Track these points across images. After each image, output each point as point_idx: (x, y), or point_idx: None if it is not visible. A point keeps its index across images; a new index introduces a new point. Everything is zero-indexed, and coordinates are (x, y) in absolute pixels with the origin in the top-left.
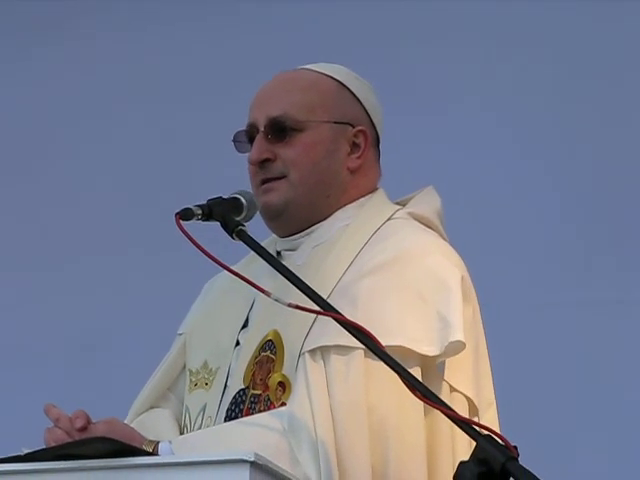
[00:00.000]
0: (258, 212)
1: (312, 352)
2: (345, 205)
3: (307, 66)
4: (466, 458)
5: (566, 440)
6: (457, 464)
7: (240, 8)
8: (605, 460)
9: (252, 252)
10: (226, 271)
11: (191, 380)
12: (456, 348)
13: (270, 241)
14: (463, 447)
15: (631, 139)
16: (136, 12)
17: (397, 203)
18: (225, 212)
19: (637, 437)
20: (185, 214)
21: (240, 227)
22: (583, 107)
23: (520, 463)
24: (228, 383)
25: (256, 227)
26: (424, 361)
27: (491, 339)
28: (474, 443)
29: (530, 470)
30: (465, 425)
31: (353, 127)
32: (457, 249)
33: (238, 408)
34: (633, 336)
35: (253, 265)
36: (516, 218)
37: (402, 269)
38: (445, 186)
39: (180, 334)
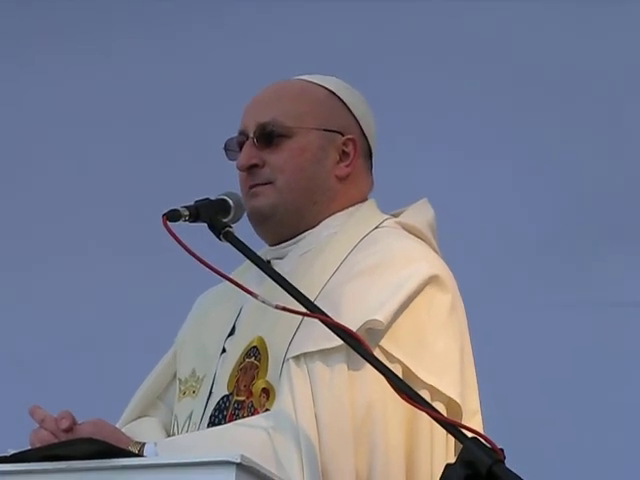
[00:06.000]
0: (248, 219)
1: (296, 359)
2: (334, 213)
3: (301, 76)
4: (444, 460)
5: (550, 443)
6: (434, 466)
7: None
8: (596, 462)
9: (247, 260)
10: (211, 271)
11: (180, 389)
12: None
13: (262, 252)
14: (441, 449)
15: (625, 140)
16: (137, 22)
17: (391, 215)
18: (212, 213)
19: (629, 441)
20: (172, 215)
21: (227, 228)
22: (580, 119)
23: (506, 466)
24: (213, 390)
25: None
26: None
27: (480, 342)
28: (451, 445)
29: (516, 473)
30: (452, 427)
31: (343, 135)
32: (449, 255)
33: (222, 414)
34: (625, 339)
35: (246, 274)
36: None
37: (385, 273)
38: (441, 195)
39: (174, 343)
